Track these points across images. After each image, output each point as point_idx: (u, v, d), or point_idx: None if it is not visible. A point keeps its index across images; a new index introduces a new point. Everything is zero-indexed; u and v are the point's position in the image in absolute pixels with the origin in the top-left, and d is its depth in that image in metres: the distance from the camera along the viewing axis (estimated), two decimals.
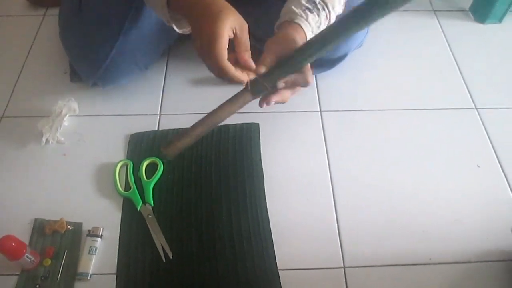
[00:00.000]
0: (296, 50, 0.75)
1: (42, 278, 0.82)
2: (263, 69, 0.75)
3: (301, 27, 0.82)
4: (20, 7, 1.36)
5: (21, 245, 0.80)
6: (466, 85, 1.17)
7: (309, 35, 0.84)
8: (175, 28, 0.84)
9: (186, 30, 0.85)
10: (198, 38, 0.73)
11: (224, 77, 0.74)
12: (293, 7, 0.84)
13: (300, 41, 0.82)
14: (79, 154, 1.01)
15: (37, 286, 0.82)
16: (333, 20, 0.89)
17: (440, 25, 1.33)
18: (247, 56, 0.74)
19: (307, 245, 0.88)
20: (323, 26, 0.87)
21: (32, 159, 1.00)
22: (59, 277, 0.83)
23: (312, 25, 0.84)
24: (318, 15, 0.85)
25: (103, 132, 1.04)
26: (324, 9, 0.85)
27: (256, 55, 0.81)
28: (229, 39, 0.72)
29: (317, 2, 0.84)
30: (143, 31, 0.99)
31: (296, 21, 0.82)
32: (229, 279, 0.83)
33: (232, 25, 0.71)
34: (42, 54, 1.22)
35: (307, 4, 0.84)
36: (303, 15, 0.83)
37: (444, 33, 1.30)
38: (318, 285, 0.83)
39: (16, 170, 0.98)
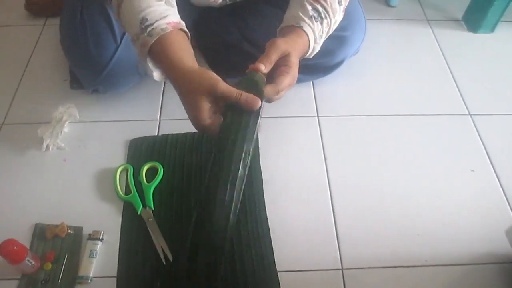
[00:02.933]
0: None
1: (43, 282, 0.83)
2: (262, 67, 0.76)
3: (307, 34, 0.84)
4: (20, 17, 1.38)
5: (22, 249, 0.80)
6: (460, 92, 1.19)
7: (311, 43, 0.86)
8: (155, 77, 0.82)
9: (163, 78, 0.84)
10: (184, 105, 0.75)
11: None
12: (300, 14, 0.85)
13: (303, 48, 0.84)
14: (79, 160, 1.02)
15: None
16: (334, 27, 0.91)
17: (434, 34, 1.36)
18: (236, 93, 0.72)
19: (306, 248, 0.89)
20: (324, 34, 0.89)
21: (33, 165, 1.01)
22: (59, 280, 0.83)
23: (315, 35, 0.86)
24: (321, 24, 0.87)
25: (103, 138, 1.06)
26: (326, 17, 0.87)
27: (250, 60, 0.82)
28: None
29: (321, 11, 0.86)
30: None
31: (304, 28, 0.84)
32: (229, 281, 0.83)
33: (206, 99, 0.72)
34: (42, 62, 1.24)
35: (312, 12, 0.85)
36: (310, 23, 0.85)
37: (437, 42, 1.33)
38: (317, 286, 0.84)
39: (17, 176, 0.99)
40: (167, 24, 0.76)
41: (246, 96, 0.72)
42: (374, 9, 1.42)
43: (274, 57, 0.78)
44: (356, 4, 1.10)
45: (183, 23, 0.80)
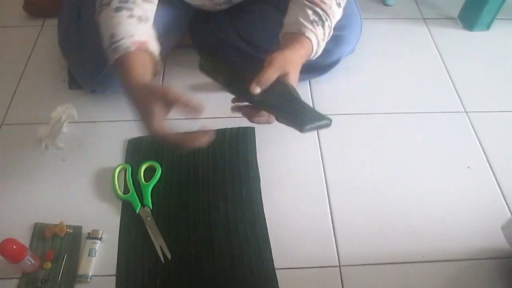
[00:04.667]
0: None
1: (43, 281, 0.84)
2: (257, 90, 0.77)
3: (310, 40, 0.85)
4: (18, 18, 1.38)
5: (22, 248, 0.81)
6: (455, 89, 1.20)
7: (315, 48, 0.87)
8: None
9: None
10: (138, 112, 0.78)
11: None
12: (301, 19, 0.85)
13: (305, 56, 0.85)
14: (78, 159, 1.02)
15: None
16: (332, 27, 0.91)
17: (430, 32, 1.36)
18: (185, 101, 0.74)
19: (303, 245, 0.89)
20: (326, 37, 0.89)
21: (32, 165, 1.01)
22: (59, 279, 0.84)
23: (318, 38, 0.86)
24: (323, 27, 0.87)
25: (102, 138, 1.06)
26: (327, 20, 0.87)
27: (249, 60, 0.83)
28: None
29: (321, 14, 0.86)
30: None
31: (306, 34, 0.84)
32: (228, 279, 0.84)
33: (158, 105, 0.74)
34: (41, 63, 1.24)
35: (313, 16, 0.85)
36: (312, 28, 0.85)
37: (433, 40, 1.34)
38: (314, 283, 0.85)
39: (16, 175, 0.99)
40: (132, 43, 0.80)
41: (193, 102, 0.74)
42: (370, 8, 1.43)
43: (271, 76, 0.79)
44: (352, 3, 1.10)
45: (151, 42, 0.84)
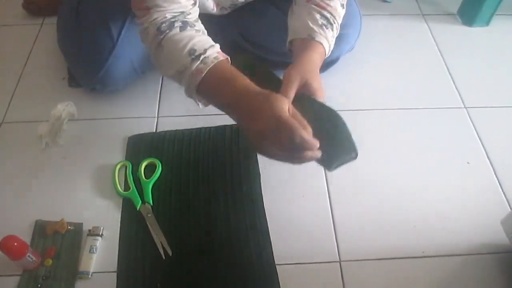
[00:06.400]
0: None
1: (44, 278, 0.84)
2: None
3: (322, 45, 0.84)
4: (18, 17, 1.38)
5: (23, 245, 0.81)
6: (455, 85, 1.20)
7: (327, 52, 0.87)
8: (200, 105, 0.85)
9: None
10: (260, 127, 0.72)
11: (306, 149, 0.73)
12: (310, 24, 0.85)
13: (320, 61, 0.84)
14: (78, 157, 1.02)
15: (39, 286, 0.83)
16: (339, 28, 0.91)
17: (429, 28, 1.36)
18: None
19: (303, 241, 0.90)
20: (334, 39, 0.89)
21: (32, 162, 1.01)
22: (60, 276, 0.84)
23: (329, 42, 0.86)
24: (332, 30, 0.87)
25: (102, 135, 1.06)
26: (334, 22, 0.88)
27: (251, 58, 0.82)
28: None
29: (329, 17, 0.86)
30: None
31: (317, 39, 0.84)
32: (228, 275, 0.84)
33: (286, 103, 0.72)
34: (40, 61, 1.24)
35: (322, 20, 0.85)
36: (322, 32, 0.84)
37: (433, 36, 1.34)
38: (315, 279, 0.85)
39: (17, 173, 1.00)
40: (218, 53, 0.78)
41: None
42: (370, 5, 1.43)
43: (291, 92, 0.77)
44: (352, 1, 1.10)
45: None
